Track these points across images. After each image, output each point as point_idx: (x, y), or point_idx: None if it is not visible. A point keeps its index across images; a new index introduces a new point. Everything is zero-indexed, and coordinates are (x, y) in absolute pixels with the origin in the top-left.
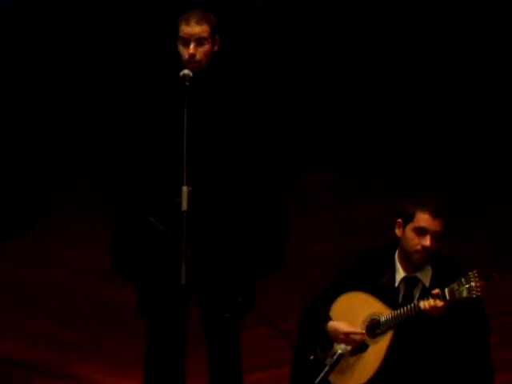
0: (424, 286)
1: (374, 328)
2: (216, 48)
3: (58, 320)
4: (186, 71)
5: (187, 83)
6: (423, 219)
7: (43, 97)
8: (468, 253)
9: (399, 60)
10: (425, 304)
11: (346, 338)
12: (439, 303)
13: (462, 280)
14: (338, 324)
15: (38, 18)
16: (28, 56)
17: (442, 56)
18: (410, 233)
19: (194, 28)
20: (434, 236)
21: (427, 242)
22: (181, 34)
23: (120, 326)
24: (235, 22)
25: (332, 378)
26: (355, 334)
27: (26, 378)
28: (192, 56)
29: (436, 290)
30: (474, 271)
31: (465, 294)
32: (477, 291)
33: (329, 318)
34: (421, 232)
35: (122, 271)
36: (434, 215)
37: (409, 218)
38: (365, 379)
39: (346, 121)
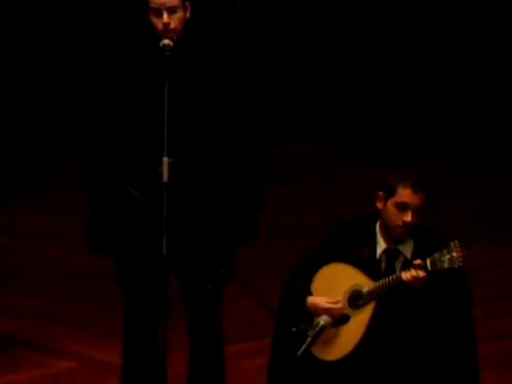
0: (406, 257)
1: (356, 299)
2: (188, 15)
3: (38, 292)
4: (166, 41)
5: (168, 53)
6: (405, 194)
7: (25, 72)
8: (451, 222)
9: (383, 31)
10: (406, 275)
11: (327, 312)
12: (421, 273)
13: (444, 250)
14: (316, 299)
15: None
16: (7, 34)
17: (430, 38)
18: (391, 207)
19: None
20: (415, 211)
21: (408, 217)
22: (152, 4)
23: (101, 298)
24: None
25: (314, 349)
26: (334, 309)
27: (6, 350)
28: (166, 25)
29: (418, 261)
30: (456, 241)
31: (446, 264)
32: (458, 261)
33: (308, 293)
34: (402, 207)
35: (100, 247)
36: (416, 190)
37: (390, 192)
38: (347, 350)
39: (331, 90)
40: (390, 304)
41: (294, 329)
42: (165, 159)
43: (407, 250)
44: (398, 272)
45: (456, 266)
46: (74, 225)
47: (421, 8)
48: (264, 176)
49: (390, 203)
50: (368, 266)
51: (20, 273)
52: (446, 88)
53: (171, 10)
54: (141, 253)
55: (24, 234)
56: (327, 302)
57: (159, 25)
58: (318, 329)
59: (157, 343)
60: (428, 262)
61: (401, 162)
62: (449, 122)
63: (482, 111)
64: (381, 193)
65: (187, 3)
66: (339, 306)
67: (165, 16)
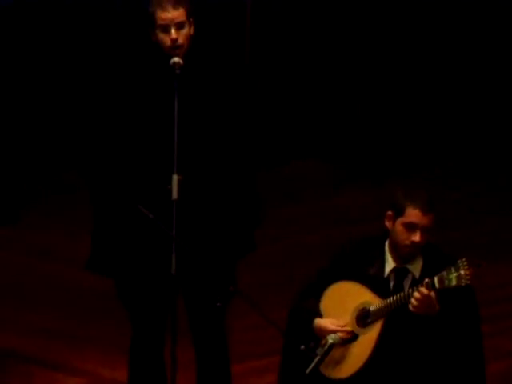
0: (414, 276)
1: (364, 317)
2: (192, 31)
3: (46, 309)
4: (176, 59)
5: (178, 71)
6: (413, 214)
7: (35, 88)
8: (463, 241)
9: (389, 52)
10: (414, 293)
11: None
12: (428, 292)
13: (452, 268)
14: (323, 322)
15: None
16: (14, 48)
17: (430, 48)
18: (399, 227)
19: (172, 13)
20: (424, 231)
21: (417, 237)
22: (159, 21)
23: (109, 315)
24: (227, 13)
25: (323, 368)
26: (341, 331)
27: (14, 367)
28: (175, 41)
29: (425, 279)
30: (464, 259)
31: (454, 282)
32: (466, 279)
33: (316, 313)
34: (411, 227)
35: (99, 268)
36: (425, 211)
37: (399, 212)
38: (355, 369)
39: (335, 110)
40: (398, 322)
41: (302, 347)
42: (174, 177)
43: (416, 268)
44: (405, 290)
45: (464, 283)
46: (84, 242)
47: (420, 27)
48: (258, 193)
49: (398, 223)
50: (377, 284)
51: (28, 290)
52: (449, 110)
53: (179, 26)
54: (149, 270)
55: (33, 251)
56: (333, 325)
57: (167, 41)
58: (326, 347)
59: (163, 360)
60: (436, 280)
61: (410, 181)
62: (452, 142)
63: (485, 130)
64: (390, 212)
65: (191, 19)
66: (346, 328)
67: (173, 32)
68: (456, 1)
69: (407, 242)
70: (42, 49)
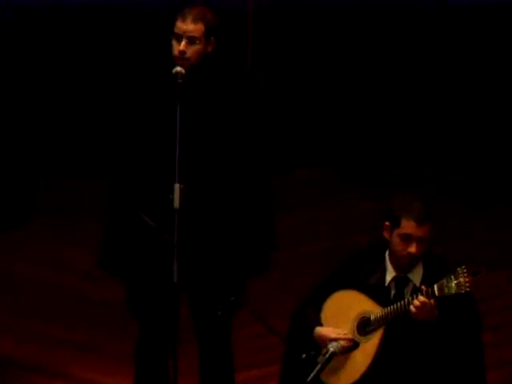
0: (415, 285)
1: (365, 326)
2: (210, 49)
3: (50, 318)
4: (178, 68)
5: (180, 80)
6: (408, 226)
7: (38, 97)
8: (463, 250)
9: (392, 58)
10: (414, 301)
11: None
12: (428, 300)
13: (451, 276)
14: (324, 330)
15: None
16: (26, 54)
17: (433, 54)
18: (396, 238)
19: (188, 26)
20: (420, 242)
21: (413, 248)
22: (175, 29)
23: (112, 324)
24: (228, 20)
25: (323, 376)
26: (342, 339)
27: (14, 375)
28: (182, 53)
29: (424, 287)
30: (463, 267)
31: (454, 289)
32: (465, 287)
33: (317, 323)
34: (406, 238)
35: (111, 267)
36: (420, 222)
37: (395, 224)
38: (356, 377)
39: (340, 118)
40: (399, 330)
41: (303, 355)
42: (176, 186)
43: (416, 277)
44: (405, 299)
45: (463, 291)
46: (86, 251)
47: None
48: (274, 212)
49: (395, 234)
50: (377, 292)
51: (29, 298)
52: (451, 121)
53: (191, 40)
54: (152, 279)
55: (35, 260)
56: (335, 333)
57: (175, 50)
58: (327, 355)
59: (168, 368)
60: (435, 287)
61: (405, 191)
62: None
63: (484, 141)
64: (387, 223)
65: (212, 38)
66: (347, 336)
67: (182, 44)
68: (454, 6)
69: (404, 253)
70: (48, 55)
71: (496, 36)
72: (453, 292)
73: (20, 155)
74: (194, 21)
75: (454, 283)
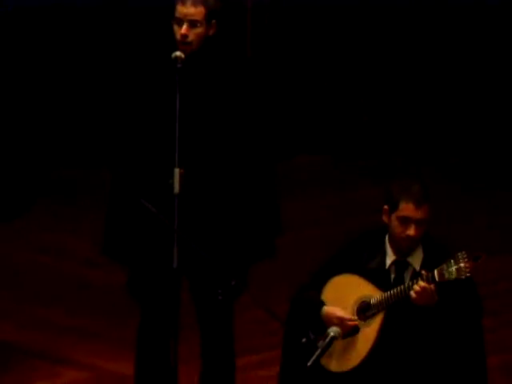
0: (414, 269)
1: (365, 310)
2: (211, 32)
3: (53, 304)
4: (177, 53)
5: (179, 65)
6: (407, 208)
7: (39, 87)
8: (464, 234)
9: (391, 48)
10: (414, 286)
11: (339, 323)
12: (428, 285)
13: (451, 261)
14: (332, 309)
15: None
16: (24, 45)
17: (436, 47)
18: (394, 221)
19: (188, 9)
20: (419, 224)
21: (411, 231)
22: (176, 13)
23: (115, 310)
24: (229, 6)
25: (324, 360)
26: (349, 320)
27: (16, 360)
28: (183, 36)
29: (424, 272)
30: (463, 252)
31: (454, 275)
32: (466, 272)
33: (323, 303)
34: (405, 221)
35: (114, 253)
36: (418, 204)
37: (394, 207)
38: (357, 362)
39: (341, 104)
40: (399, 315)
41: (303, 340)
42: (176, 170)
43: (416, 261)
44: (406, 283)
45: (463, 276)
46: (88, 239)
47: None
48: (276, 195)
49: (393, 217)
50: (377, 276)
51: (31, 284)
52: (455, 105)
53: (192, 24)
54: (153, 264)
55: (37, 247)
56: (342, 313)
57: (178, 34)
58: (327, 340)
59: (169, 353)
60: (436, 273)
61: (404, 175)
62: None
63: (483, 125)
64: (386, 207)
65: (213, 21)
66: (352, 318)
67: (184, 27)
68: (460, 1)
69: (403, 236)
70: (47, 46)
71: (493, 29)
72: (453, 277)
73: (23, 144)
74: (195, 4)
75: (454, 268)
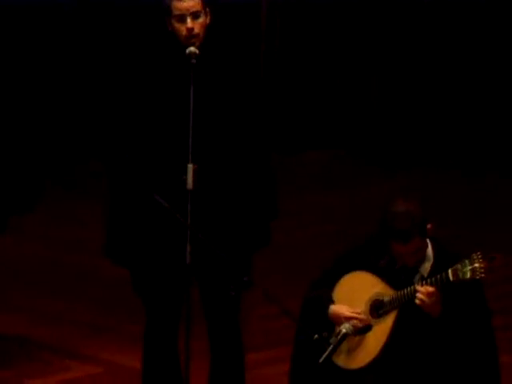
0: (422, 276)
1: (378, 308)
2: (208, 21)
3: (62, 297)
4: (192, 49)
5: (194, 61)
6: (396, 246)
7: (45, 79)
8: (472, 233)
9: (403, 43)
10: (419, 288)
11: (348, 321)
12: (433, 289)
13: (466, 261)
14: (339, 308)
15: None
16: (27, 43)
17: (442, 43)
18: (392, 249)
19: (188, 2)
20: (413, 253)
21: (408, 260)
22: (175, 11)
23: (125, 304)
24: (243, 5)
25: (336, 357)
26: (357, 318)
27: (30, 355)
28: (191, 30)
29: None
30: (478, 253)
31: (468, 275)
32: (480, 272)
33: (331, 301)
34: (399, 255)
35: (116, 256)
36: (405, 241)
37: (387, 239)
38: (368, 359)
39: (352, 100)
40: (412, 313)
41: (315, 336)
42: (189, 166)
43: (425, 268)
44: (413, 285)
45: (478, 276)
46: (99, 232)
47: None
48: (276, 184)
49: (390, 246)
50: (389, 275)
51: (45, 279)
52: (463, 104)
53: (195, 16)
54: (164, 260)
55: (50, 241)
56: (350, 311)
57: (183, 30)
58: (339, 337)
59: (177, 350)
60: (450, 272)
61: (399, 198)
62: (465, 134)
63: (495, 124)
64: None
65: (207, 9)
66: (362, 316)
67: (189, 21)
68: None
69: (403, 261)
70: (58, 42)
71: (489, 29)
72: (467, 277)
73: (28, 138)
74: None
75: (468, 268)
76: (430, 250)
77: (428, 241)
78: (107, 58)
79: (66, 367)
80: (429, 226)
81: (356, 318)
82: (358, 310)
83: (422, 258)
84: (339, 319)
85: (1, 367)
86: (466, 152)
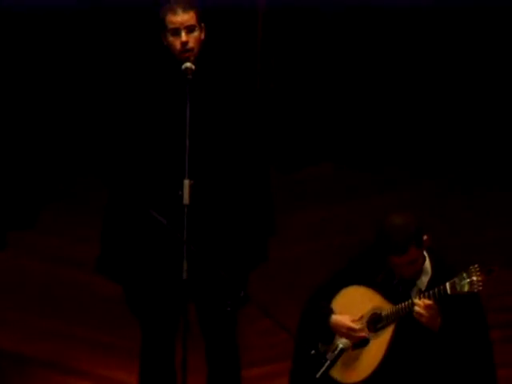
0: (420, 289)
1: (376, 322)
2: (203, 36)
3: (62, 314)
4: (188, 64)
5: (190, 76)
6: (393, 259)
7: (43, 94)
8: (472, 245)
9: (397, 55)
10: (417, 301)
11: (348, 332)
12: (431, 302)
13: (464, 274)
14: (341, 318)
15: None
16: (28, 53)
17: (438, 50)
18: (389, 262)
19: (182, 16)
20: (410, 264)
21: (405, 272)
22: (170, 25)
23: (121, 320)
24: (238, 19)
25: (333, 372)
26: (357, 331)
27: (27, 371)
28: (185, 44)
29: (432, 290)
30: (476, 265)
31: (466, 288)
32: (478, 285)
33: (332, 311)
34: (396, 266)
35: (109, 272)
36: (400, 254)
37: (385, 254)
38: (366, 374)
39: (350, 114)
40: (410, 328)
41: (312, 352)
42: (186, 181)
43: (423, 282)
44: (411, 299)
45: (476, 290)
46: (97, 248)
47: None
48: (273, 200)
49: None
50: (387, 289)
51: (42, 294)
52: (463, 116)
53: (189, 29)
54: (160, 276)
55: (48, 257)
56: (351, 321)
57: (177, 44)
58: (336, 352)
59: (174, 365)
60: (448, 285)
61: (394, 215)
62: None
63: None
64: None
65: (202, 24)
66: (363, 329)
67: (183, 34)
68: (457, 3)
69: (401, 273)
70: (55, 54)
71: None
72: (465, 290)
73: (33, 151)
74: (185, 10)
75: (466, 281)
76: (427, 263)
77: (426, 254)
78: (105, 72)
79: (62, 383)
80: (425, 237)
81: (356, 330)
82: (359, 325)
83: (420, 272)
84: (340, 329)
85: None
86: (466, 165)
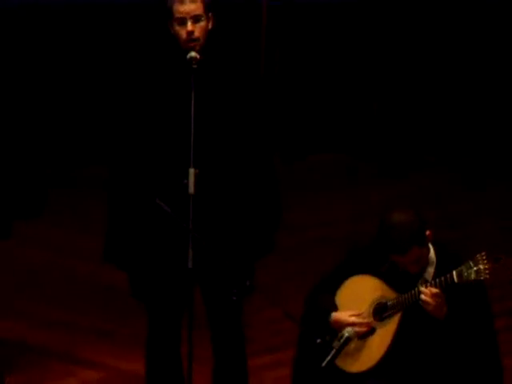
0: (426, 280)
1: (381, 311)
2: (211, 25)
3: (63, 303)
4: (192, 54)
5: (195, 66)
6: (395, 257)
7: (52, 84)
8: (478, 234)
9: (404, 46)
10: (423, 290)
11: (351, 326)
12: (438, 290)
13: (470, 262)
14: (341, 315)
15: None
16: (29, 48)
17: (443, 45)
18: (393, 259)
19: (189, 6)
20: (414, 262)
21: (410, 269)
22: (176, 14)
23: (126, 308)
24: (243, 11)
25: (339, 361)
26: (359, 325)
27: (32, 361)
28: (190, 33)
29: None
30: (482, 253)
31: (473, 276)
32: (485, 273)
33: (332, 308)
34: (400, 264)
35: (116, 260)
36: (403, 253)
37: (386, 253)
38: (372, 363)
39: (353, 104)
40: (416, 316)
41: (318, 340)
42: (191, 170)
43: (429, 273)
44: (417, 288)
45: (483, 278)
46: (100, 238)
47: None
48: (279, 189)
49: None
50: (393, 278)
51: (47, 284)
52: (463, 109)
53: (195, 19)
54: (165, 265)
55: (51, 247)
56: (352, 316)
57: (183, 34)
58: (342, 340)
59: (179, 355)
60: (454, 274)
61: (394, 211)
62: (470, 135)
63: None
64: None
65: (210, 14)
66: (364, 320)
67: (189, 24)
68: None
69: (406, 269)
70: (59, 47)
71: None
72: (472, 278)
73: (32, 143)
74: (193, 0)
75: (473, 270)
76: (432, 253)
77: (430, 245)
78: (109, 63)
79: (69, 373)
80: (427, 232)
81: (358, 324)
82: (360, 312)
83: (425, 263)
84: (342, 326)
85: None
86: (465, 157)
